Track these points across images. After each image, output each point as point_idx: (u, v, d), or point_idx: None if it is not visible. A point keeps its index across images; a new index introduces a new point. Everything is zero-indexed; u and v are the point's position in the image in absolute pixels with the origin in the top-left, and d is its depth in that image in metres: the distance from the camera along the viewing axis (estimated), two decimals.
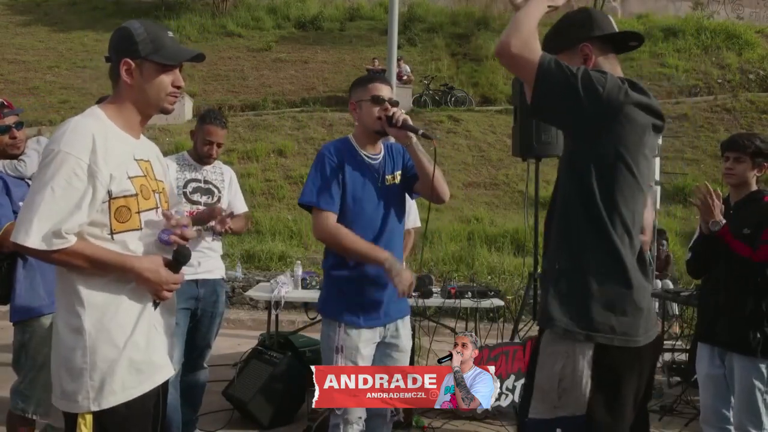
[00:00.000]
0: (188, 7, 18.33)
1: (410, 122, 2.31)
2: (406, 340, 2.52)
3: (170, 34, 1.75)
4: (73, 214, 1.56)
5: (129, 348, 1.64)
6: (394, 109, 2.31)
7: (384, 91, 2.39)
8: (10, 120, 2.63)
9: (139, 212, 1.69)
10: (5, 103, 2.67)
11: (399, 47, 8.04)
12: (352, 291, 2.37)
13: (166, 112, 1.76)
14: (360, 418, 2.36)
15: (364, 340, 2.36)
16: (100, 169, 1.59)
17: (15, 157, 2.67)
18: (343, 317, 2.36)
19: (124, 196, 1.65)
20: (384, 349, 2.46)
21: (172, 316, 1.87)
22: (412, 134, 2.30)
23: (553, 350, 1.61)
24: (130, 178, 1.67)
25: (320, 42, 17.01)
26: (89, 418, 1.59)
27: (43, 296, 2.57)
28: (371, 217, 2.36)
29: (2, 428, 2.98)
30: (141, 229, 1.69)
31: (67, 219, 1.55)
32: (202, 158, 3.26)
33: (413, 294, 4.09)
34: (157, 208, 1.75)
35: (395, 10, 7.07)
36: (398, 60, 12.37)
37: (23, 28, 17.64)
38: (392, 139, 2.41)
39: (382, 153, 2.48)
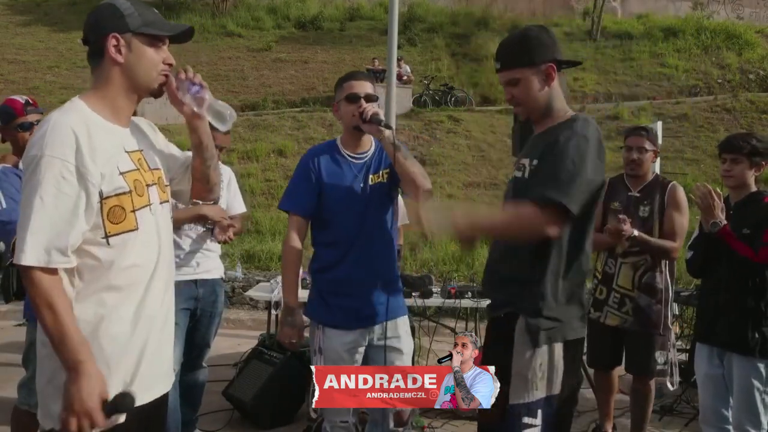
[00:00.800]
0: (188, 7, 18.34)
1: (380, 116, 2.27)
2: (406, 343, 2.45)
3: (156, 12, 1.62)
4: (73, 224, 1.41)
5: (121, 365, 1.50)
6: (365, 105, 2.29)
7: (358, 87, 2.35)
8: (32, 118, 2.61)
9: (134, 211, 1.53)
10: (30, 101, 2.67)
11: (399, 47, 8.05)
12: (331, 293, 2.38)
13: (157, 93, 1.62)
14: (345, 422, 2.36)
15: (345, 343, 2.35)
16: (88, 169, 1.43)
17: None
18: (322, 319, 2.38)
19: (117, 195, 1.49)
20: (382, 352, 2.38)
21: (170, 324, 1.72)
22: (383, 128, 2.25)
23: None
24: (122, 173, 1.51)
25: (320, 42, 17.02)
26: None
27: None
28: (349, 217, 2.34)
29: (4, 428, 2.99)
30: (137, 229, 1.53)
31: (67, 231, 1.40)
32: None
33: (414, 294, 4.11)
34: (150, 205, 1.58)
35: (395, 10, 7.08)
36: (398, 60, 12.38)
37: (23, 28, 17.65)
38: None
39: (371, 151, 2.43)
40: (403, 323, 2.47)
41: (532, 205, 1.73)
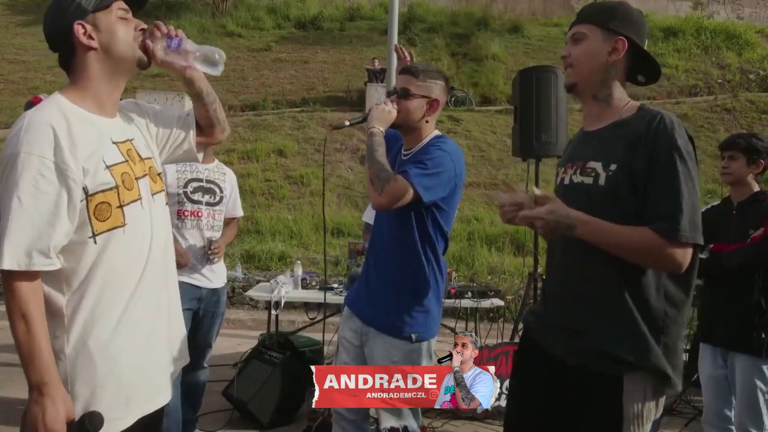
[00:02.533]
0: (188, 7, 18.34)
1: (372, 115, 2.21)
2: (378, 359, 2.21)
3: None
4: (54, 224, 1.33)
5: (116, 372, 1.43)
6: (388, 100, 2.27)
7: (399, 82, 2.30)
8: None
9: (121, 206, 1.45)
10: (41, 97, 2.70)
11: None
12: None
13: (143, 63, 1.54)
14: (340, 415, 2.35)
15: (345, 317, 2.39)
16: (68, 165, 1.35)
17: None
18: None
19: (102, 191, 1.41)
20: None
21: (175, 323, 1.66)
22: (369, 126, 2.20)
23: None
24: (108, 167, 1.43)
25: (320, 42, 17.01)
26: None
27: None
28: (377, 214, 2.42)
29: (5, 428, 2.98)
30: (125, 225, 1.45)
31: (49, 232, 1.32)
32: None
33: None
34: (141, 199, 1.51)
35: (395, 10, 7.08)
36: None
37: (23, 28, 17.62)
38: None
39: (416, 149, 2.28)
40: (385, 341, 2.22)
41: (658, 237, 1.51)
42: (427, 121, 2.29)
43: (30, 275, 1.32)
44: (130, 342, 1.46)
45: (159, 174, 1.65)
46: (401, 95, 2.24)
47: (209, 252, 3.15)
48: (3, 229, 1.31)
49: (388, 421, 2.21)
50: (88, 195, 1.39)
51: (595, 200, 1.61)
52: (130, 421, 1.47)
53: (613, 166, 1.61)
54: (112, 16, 1.49)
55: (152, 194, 1.57)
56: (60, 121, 1.38)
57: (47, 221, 1.33)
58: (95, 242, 1.41)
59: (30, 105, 2.71)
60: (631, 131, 1.62)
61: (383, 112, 2.20)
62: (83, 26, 1.46)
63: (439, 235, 2.24)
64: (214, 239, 3.20)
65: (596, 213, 1.57)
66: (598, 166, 1.64)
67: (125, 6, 1.53)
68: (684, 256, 1.53)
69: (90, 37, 1.46)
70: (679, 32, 16.98)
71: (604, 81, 1.71)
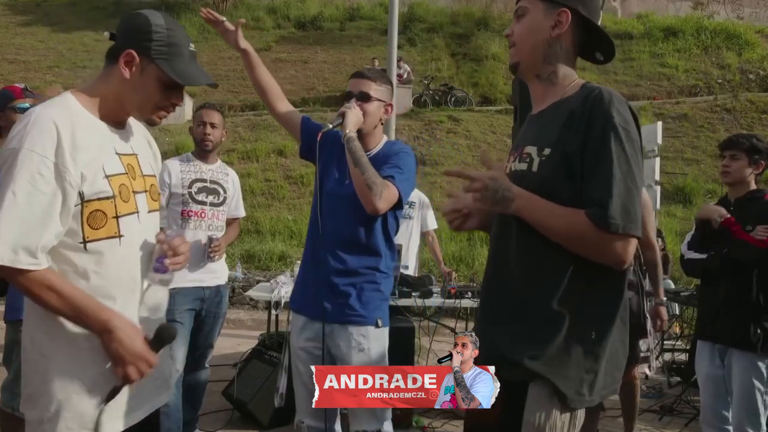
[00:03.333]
0: (188, 7, 18.35)
1: (345, 121, 2.18)
2: (355, 356, 2.23)
3: (191, 47, 1.52)
4: (46, 225, 1.31)
5: (104, 384, 1.41)
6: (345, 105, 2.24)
7: (354, 86, 2.31)
8: (29, 102, 2.57)
9: (117, 217, 1.42)
10: (29, 89, 2.66)
11: (399, 47, 8.05)
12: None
13: (151, 123, 1.54)
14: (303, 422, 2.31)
15: (299, 327, 2.33)
16: (68, 168, 1.33)
17: None
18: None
19: (99, 199, 1.39)
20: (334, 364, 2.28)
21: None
22: (345, 131, 2.17)
23: None
24: (107, 176, 1.41)
25: (320, 42, 17.02)
26: None
27: None
28: (322, 210, 2.30)
29: None
30: (120, 236, 1.43)
31: (39, 232, 1.30)
32: (200, 145, 3.25)
33: (414, 294, 4.11)
34: (137, 212, 1.49)
35: (395, 10, 7.08)
36: (398, 60, 12.38)
37: (23, 28, 17.64)
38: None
39: (376, 151, 2.34)
40: (353, 334, 2.25)
41: (594, 225, 1.36)
42: (382, 124, 2.37)
43: (17, 270, 1.30)
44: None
45: (159, 194, 1.64)
46: (361, 98, 2.26)
47: (209, 250, 3.16)
48: (16, 222, 1.28)
49: (360, 425, 2.22)
50: (83, 201, 1.37)
51: (529, 189, 1.45)
52: (127, 424, 1.47)
53: (546, 150, 1.47)
54: (155, 80, 1.47)
55: (148, 211, 1.55)
56: (66, 123, 1.36)
57: (39, 220, 1.30)
58: (86, 249, 1.39)
59: (3, 92, 2.66)
60: (567, 110, 1.47)
61: (356, 116, 2.21)
62: (132, 57, 1.44)
63: (395, 227, 2.36)
64: (215, 237, 3.21)
65: None
66: (533, 150, 1.50)
67: (179, 95, 1.52)
68: (624, 248, 1.36)
69: (128, 69, 1.45)
70: (679, 32, 16.99)
71: (546, 58, 1.55)
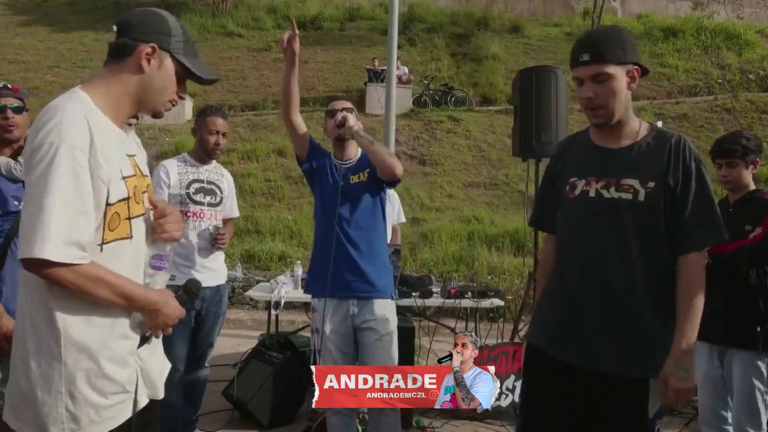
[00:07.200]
0: (188, 7, 18.32)
1: (349, 120, 2.77)
2: (381, 324, 2.70)
3: (195, 47, 1.62)
4: (89, 218, 1.32)
5: (112, 367, 1.42)
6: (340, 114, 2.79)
7: (337, 105, 2.87)
8: (7, 101, 2.51)
9: (129, 218, 1.45)
10: (8, 85, 2.60)
11: (399, 47, 8.05)
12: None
13: (159, 115, 1.59)
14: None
15: (329, 315, 2.72)
16: (100, 164, 1.35)
17: (11, 142, 2.54)
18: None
19: (118, 201, 1.41)
20: (362, 336, 2.72)
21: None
22: (351, 126, 2.76)
23: None
24: (124, 178, 1.44)
25: (320, 42, 17.01)
26: None
27: None
28: (332, 209, 2.77)
29: None
30: (131, 237, 1.46)
31: (85, 225, 1.31)
32: (209, 152, 3.27)
33: (414, 294, 4.12)
34: (144, 214, 1.52)
35: (395, 10, 7.08)
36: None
37: (23, 28, 17.63)
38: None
39: (357, 158, 2.88)
40: (379, 305, 2.75)
41: (700, 255, 1.83)
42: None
43: (67, 266, 1.29)
44: (131, 340, 1.49)
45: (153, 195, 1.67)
46: (346, 110, 2.82)
47: (215, 240, 3.17)
48: (37, 214, 1.27)
49: None
50: (107, 203, 1.39)
51: (636, 214, 1.79)
52: (127, 414, 1.47)
53: (651, 183, 1.79)
54: (173, 73, 1.53)
55: (150, 212, 1.58)
56: (93, 120, 1.38)
57: (84, 214, 1.32)
58: (101, 250, 1.39)
59: None
60: (655, 149, 1.83)
61: (353, 117, 2.82)
62: (154, 50, 1.48)
63: (385, 209, 2.89)
64: (219, 226, 3.23)
65: (634, 225, 1.78)
66: (634, 183, 1.81)
67: (185, 88, 1.59)
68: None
69: (147, 61, 1.48)
70: (679, 32, 16.98)
71: (626, 108, 1.87)
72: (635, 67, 1.84)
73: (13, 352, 1.42)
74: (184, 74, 1.55)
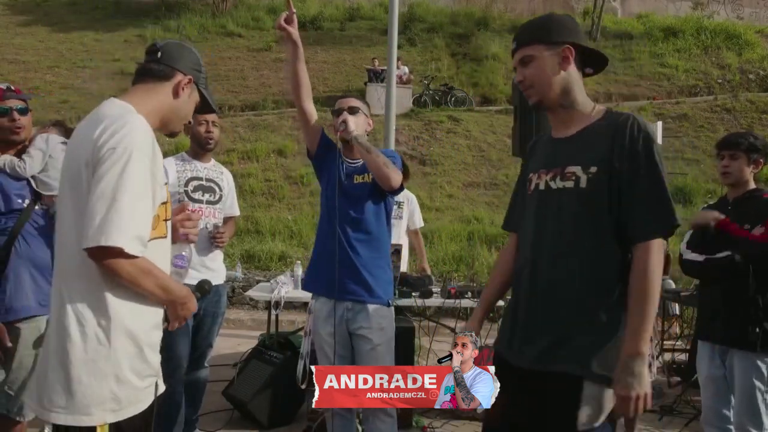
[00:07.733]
0: (188, 7, 18.34)
1: (349, 125, 2.68)
2: (375, 333, 2.64)
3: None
4: (150, 217, 1.54)
5: (150, 353, 1.61)
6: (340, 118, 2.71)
7: (343, 104, 2.80)
8: (12, 103, 2.53)
9: (166, 220, 1.68)
10: (12, 87, 2.61)
11: (399, 47, 8.04)
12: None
13: (175, 135, 1.85)
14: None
15: (324, 317, 2.69)
16: (155, 174, 1.56)
17: (16, 143, 2.56)
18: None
19: (161, 204, 1.63)
20: (356, 343, 2.67)
21: None
22: (350, 131, 2.67)
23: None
24: (164, 184, 1.68)
25: (320, 42, 17.01)
26: (106, 428, 1.51)
27: (30, 297, 2.48)
28: (334, 205, 2.70)
29: None
30: (165, 236, 1.68)
31: (147, 222, 1.52)
32: (202, 143, 3.26)
33: (414, 294, 4.11)
34: (169, 219, 1.73)
35: (395, 10, 7.06)
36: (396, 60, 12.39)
37: (23, 28, 17.64)
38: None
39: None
40: (375, 313, 2.67)
41: (655, 243, 1.62)
42: (368, 136, 2.82)
43: (130, 257, 1.47)
44: (159, 328, 1.68)
45: None
46: (350, 112, 2.74)
47: (213, 239, 3.17)
48: (114, 206, 1.44)
49: None
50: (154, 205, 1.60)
51: (577, 203, 1.70)
52: (151, 398, 1.63)
53: (593, 168, 1.69)
54: (195, 104, 1.83)
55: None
56: (151, 135, 1.59)
57: (148, 213, 1.53)
58: (146, 247, 1.54)
59: None
60: (603, 133, 1.72)
61: (354, 120, 2.71)
62: (190, 82, 1.75)
63: (390, 216, 2.84)
64: (219, 225, 3.22)
65: (576, 214, 1.69)
66: (576, 169, 1.72)
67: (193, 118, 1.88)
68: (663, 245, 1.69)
69: (181, 90, 1.74)
70: (679, 32, 17.00)
71: (564, 90, 1.77)
72: (567, 46, 1.75)
73: (46, 342, 1.56)
74: (200, 104, 1.83)
